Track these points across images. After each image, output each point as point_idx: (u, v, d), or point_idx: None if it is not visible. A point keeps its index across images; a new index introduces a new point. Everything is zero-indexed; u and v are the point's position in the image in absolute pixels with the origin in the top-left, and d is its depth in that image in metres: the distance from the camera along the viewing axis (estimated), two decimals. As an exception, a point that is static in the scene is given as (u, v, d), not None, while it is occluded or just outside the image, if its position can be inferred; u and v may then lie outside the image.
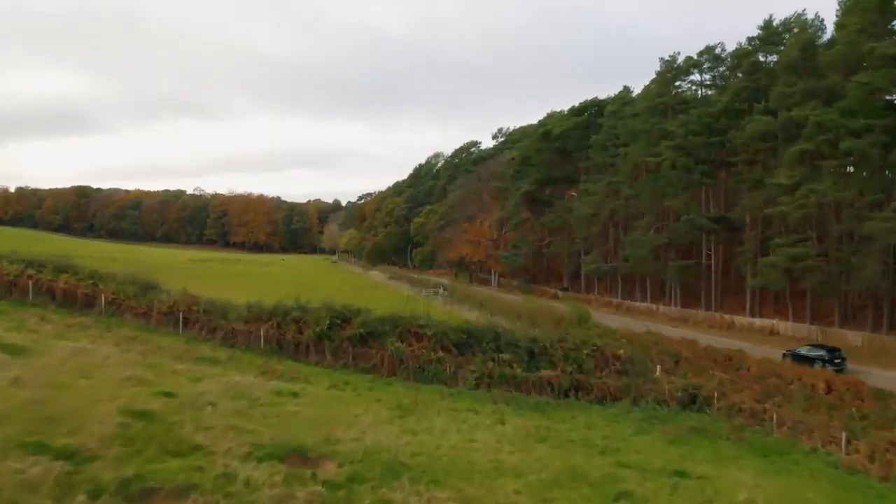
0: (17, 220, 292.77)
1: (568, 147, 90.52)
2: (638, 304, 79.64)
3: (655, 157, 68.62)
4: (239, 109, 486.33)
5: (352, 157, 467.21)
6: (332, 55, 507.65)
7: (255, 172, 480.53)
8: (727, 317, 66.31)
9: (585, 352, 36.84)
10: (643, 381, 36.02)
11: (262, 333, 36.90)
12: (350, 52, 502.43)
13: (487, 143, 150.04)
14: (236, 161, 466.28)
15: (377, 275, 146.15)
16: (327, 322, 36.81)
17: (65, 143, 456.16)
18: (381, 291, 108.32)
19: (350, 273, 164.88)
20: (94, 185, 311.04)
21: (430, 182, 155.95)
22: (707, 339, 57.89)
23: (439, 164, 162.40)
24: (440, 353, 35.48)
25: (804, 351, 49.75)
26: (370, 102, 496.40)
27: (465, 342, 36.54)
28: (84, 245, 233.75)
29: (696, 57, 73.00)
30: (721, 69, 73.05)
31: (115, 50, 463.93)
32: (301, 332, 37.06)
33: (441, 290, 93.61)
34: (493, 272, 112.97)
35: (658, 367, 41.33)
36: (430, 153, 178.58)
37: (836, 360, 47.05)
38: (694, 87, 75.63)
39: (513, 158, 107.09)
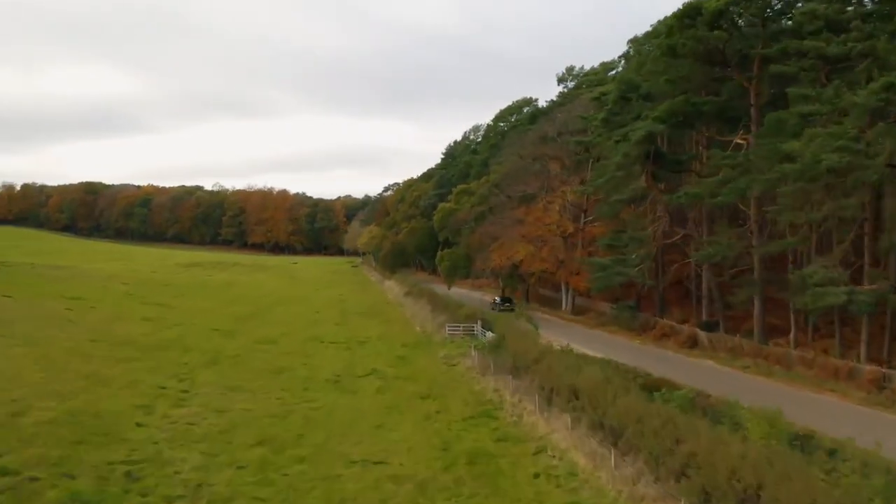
0: (21, 219, 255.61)
1: (729, 52, 42.73)
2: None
3: None
4: (282, 107, 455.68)
5: (396, 156, 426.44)
6: (377, 51, 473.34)
7: (297, 171, 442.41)
8: None
9: None
10: None
11: None
12: (396, 48, 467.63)
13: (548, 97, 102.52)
14: (278, 160, 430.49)
15: (392, 287, 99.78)
16: None
17: (107, 143, 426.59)
18: (379, 323, 61.93)
19: (360, 283, 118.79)
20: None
21: (467, 157, 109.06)
22: None
23: (479, 135, 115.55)
24: None
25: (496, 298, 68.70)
26: (416, 99, 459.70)
27: None
28: (69, 244, 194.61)
29: None
30: None
31: (158, 48, 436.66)
32: None
33: (480, 331, 47.45)
34: (565, 287, 65.56)
35: None
36: (469, 127, 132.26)
37: (507, 303, 65.79)
38: None
39: (602, 95, 59.50)
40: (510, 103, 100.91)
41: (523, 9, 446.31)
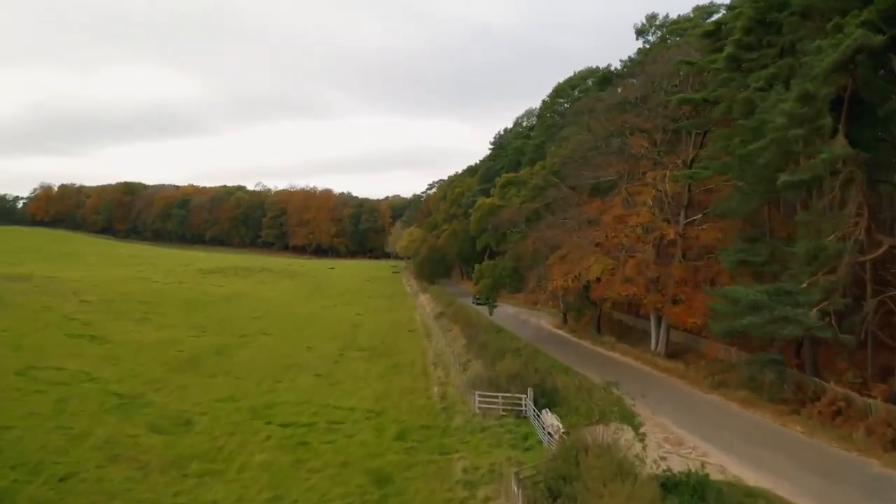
0: (58, 221, 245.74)
1: None
2: None
3: None
4: (336, 108, 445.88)
5: (453, 156, 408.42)
6: (432, 50, 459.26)
7: (351, 173, 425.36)
8: None
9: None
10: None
11: None
12: (452, 46, 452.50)
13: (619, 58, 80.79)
14: (332, 161, 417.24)
15: (425, 304, 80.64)
16: None
17: (161, 146, 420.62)
18: (384, 372, 41.71)
19: (391, 295, 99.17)
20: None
21: (519, 142, 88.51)
22: None
23: (533, 119, 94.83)
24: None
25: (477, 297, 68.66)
26: (473, 98, 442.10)
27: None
28: (95, 247, 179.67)
29: None
30: None
31: (211, 50, 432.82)
32: None
33: (531, 409, 27.42)
34: (656, 319, 44.62)
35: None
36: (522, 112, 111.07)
37: (480, 300, 65.01)
38: None
39: (721, 25, 38.32)
40: (571, 74, 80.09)
41: (579, 1, 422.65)
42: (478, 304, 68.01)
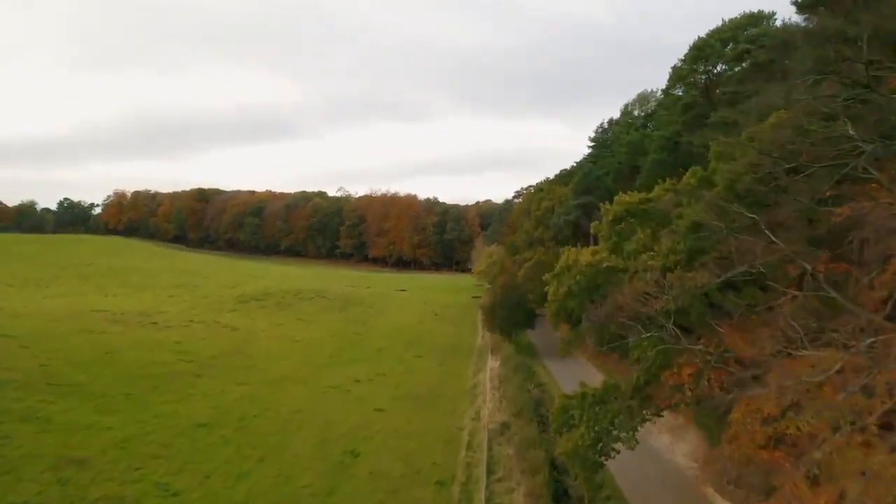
0: (131, 230, 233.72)
1: None
2: None
3: None
4: (430, 110, 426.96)
5: (552, 157, 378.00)
6: (527, 47, 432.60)
7: (447, 175, 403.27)
8: None
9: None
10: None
11: None
12: (548, 43, 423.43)
13: None
14: (427, 164, 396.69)
15: (488, 387, 52.87)
16: None
17: (248, 150, 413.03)
18: None
19: (448, 354, 70.54)
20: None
21: (634, 136, 58.25)
22: None
23: (651, 105, 64.54)
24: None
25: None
26: (570, 96, 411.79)
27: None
28: (149, 261, 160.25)
29: None
30: None
31: (304, 52, 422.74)
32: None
33: None
34: None
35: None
36: (631, 98, 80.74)
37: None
38: None
39: None
40: (721, 22, 49.66)
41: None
42: None
